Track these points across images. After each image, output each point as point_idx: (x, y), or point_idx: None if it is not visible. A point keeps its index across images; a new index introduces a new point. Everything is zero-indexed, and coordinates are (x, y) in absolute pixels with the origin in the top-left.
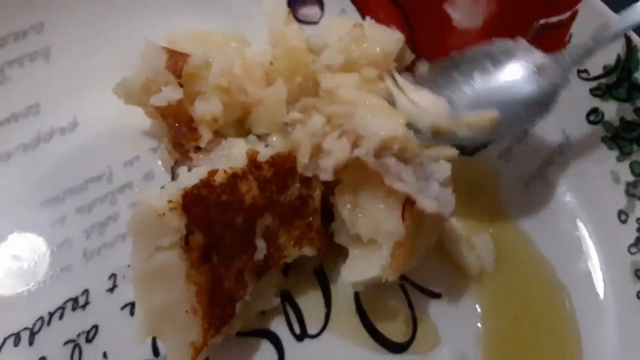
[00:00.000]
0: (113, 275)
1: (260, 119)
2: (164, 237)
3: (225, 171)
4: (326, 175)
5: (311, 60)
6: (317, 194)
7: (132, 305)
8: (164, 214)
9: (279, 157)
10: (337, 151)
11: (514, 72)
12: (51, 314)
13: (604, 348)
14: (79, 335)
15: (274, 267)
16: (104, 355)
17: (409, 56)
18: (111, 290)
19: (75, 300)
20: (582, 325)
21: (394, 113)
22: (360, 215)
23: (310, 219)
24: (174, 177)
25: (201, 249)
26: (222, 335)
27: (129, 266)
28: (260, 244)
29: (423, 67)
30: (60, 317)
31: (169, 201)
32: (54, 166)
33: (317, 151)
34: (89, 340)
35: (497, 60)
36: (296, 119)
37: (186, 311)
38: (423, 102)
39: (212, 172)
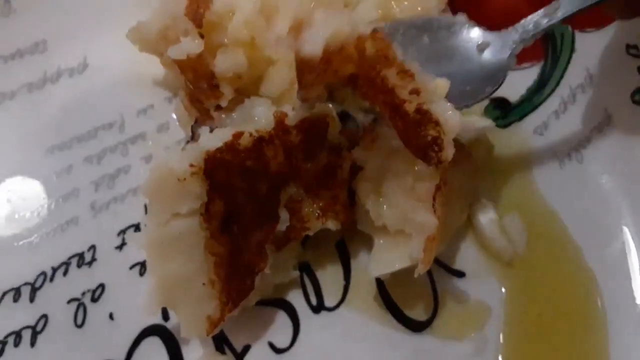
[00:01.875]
0: (122, 232)
1: (276, 79)
2: (182, 203)
3: (251, 134)
4: (313, 49)
5: None
6: (347, 163)
7: (142, 264)
8: (184, 179)
9: (309, 122)
10: (330, 22)
11: (453, 49)
12: (54, 270)
13: (631, 334)
14: (83, 293)
15: (295, 239)
16: (110, 316)
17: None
18: (120, 247)
19: (81, 256)
20: (612, 320)
21: None
22: (385, 206)
23: (337, 191)
24: (193, 136)
25: (222, 217)
26: (239, 308)
27: (137, 227)
28: (284, 214)
29: None
30: (65, 274)
31: (191, 165)
32: (61, 110)
33: (300, 24)
34: (94, 300)
35: (435, 37)
36: None
37: (203, 283)
38: None
39: (238, 135)
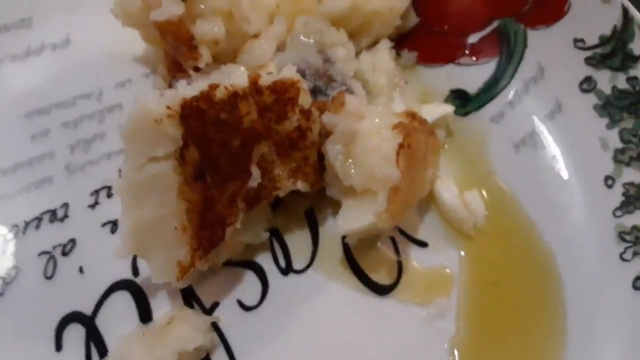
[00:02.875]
0: (95, 192)
1: (253, 52)
2: (159, 145)
3: (226, 88)
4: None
5: (315, 4)
6: (316, 126)
7: (114, 223)
8: (161, 120)
9: (281, 84)
10: None
11: None
12: (27, 224)
13: (587, 310)
14: (54, 247)
15: (266, 198)
16: (80, 269)
17: (413, 19)
18: (92, 206)
19: (53, 212)
20: (567, 288)
21: None
22: (353, 166)
23: (307, 152)
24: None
25: (196, 165)
26: (209, 261)
27: (110, 189)
28: (255, 171)
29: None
30: (37, 227)
31: (168, 107)
32: (42, 80)
33: None
34: (65, 254)
35: None
36: None
37: (175, 227)
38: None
39: (213, 86)
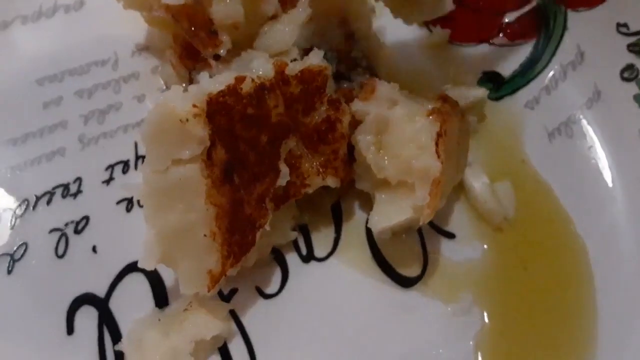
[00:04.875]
0: (110, 167)
1: (274, 37)
2: (184, 147)
3: (253, 80)
4: None
5: None
6: (346, 117)
7: (130, 200)
8: (187, 120)
9: (309, 73)
10: None
11: None
12: (38, 198)
13: (621, 318)
14: (66, 224)
15: (295, 197)
16: (93, 249)
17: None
18: (107, 182)
19: (66, 187)
20: (600, 290)
21: None
22: (386, 157)
23: (337, 145)
24: (192, 82)
25: (223, 165)
26: (239, 266)
27: (127, 163)
28: (284, 168)
29: None
30: (48, 203)
31: (194, 105)
32: (54, 44)
33: None
34: (77, 232)
35: None
36: None
37: (205, 235)
38: None
39: (240, 79)
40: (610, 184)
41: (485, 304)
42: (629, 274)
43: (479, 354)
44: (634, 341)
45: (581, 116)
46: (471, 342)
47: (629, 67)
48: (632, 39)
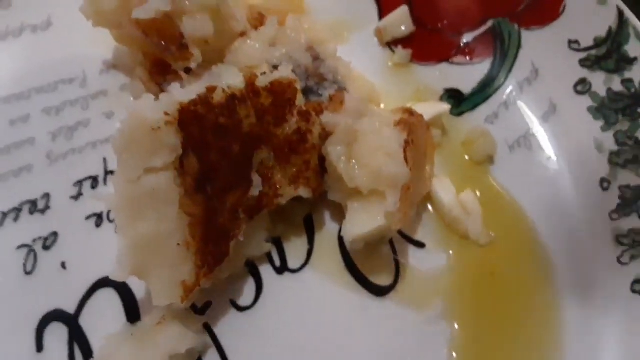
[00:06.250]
0: (79, 183)
1: (244, 52)
2: (157, 155)
3: (224, 90)
4: None
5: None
6: (317, 128)
7: (99, 216)
8: (159, 128)
9: (279, 85)
10: None
11: None
12: (5, 215)
13: (585, 313)
14: (35, 240)
15: (267, 207)
16: (63, 265)
17: (408, 27)
18: (76, 197)
19: (34, 203)
20: (564, 291)
21: None
22: (357, 167)
23: (308, 156)
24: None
25: (196, 175)
26: (212, 278)
27: (95, 179)
28: (256, 179)
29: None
30: (15, 219)
31: (166, 113)
32: (21, 62)
33: None
34: (46, 248)
35: None
36: None
37: (178, 244)
38: None
39: (211, 89)
40: (570, 193)
41: (457, 310)
42: (590, 276)
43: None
44: (598, 338)
45: (539, 129)
46: (445, 350)
47: (582, 81)
48: (584, 55)
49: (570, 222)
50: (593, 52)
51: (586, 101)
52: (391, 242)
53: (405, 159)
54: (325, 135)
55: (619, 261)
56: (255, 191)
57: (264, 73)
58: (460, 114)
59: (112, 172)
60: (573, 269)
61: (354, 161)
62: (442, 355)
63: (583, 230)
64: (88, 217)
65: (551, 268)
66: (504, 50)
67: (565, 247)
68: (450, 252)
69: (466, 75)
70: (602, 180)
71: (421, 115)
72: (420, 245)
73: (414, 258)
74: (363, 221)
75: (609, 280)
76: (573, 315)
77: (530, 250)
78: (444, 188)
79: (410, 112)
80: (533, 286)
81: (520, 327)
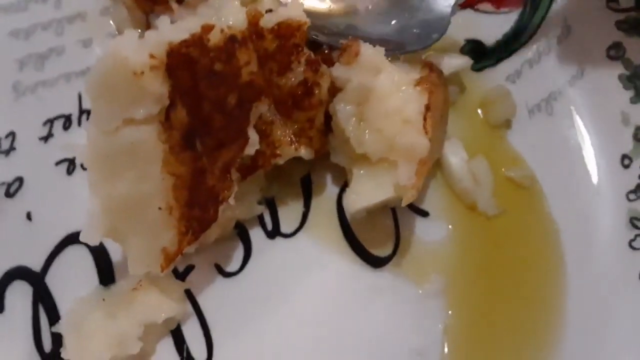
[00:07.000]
0: (49, 122)
1: None
2: (138, 105)
3: (222, 30)
4: None
5: None
6: (326, 82)
7: (71, 162)
8: (142, 73)
9: (287, 27)
10: None
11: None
12: None
13: (589, 297)
14: None
15: (263, 167)
16: (28, 216)
17: None
18: (45, 139)
19: None
20: (569, 271)
21: None
22: (367, 131)
23: (313, 112)
24: (149, 29)
25: (184, 129)
26: (197, 243)
27: (68, 118)
28: (253, 135)
29: None
30: None
31: (152, 56)
32: None
33: None
34: (9, 195)
35: None
36: None
37: (160, 208)
38: None
39: (207, 28)
40: (588, 167)
41: (457, 285)
42: (599, 259)
43: (446, 338)
44: (603, 323)
45: (563, 94)
46: (440, 326)
47: (616, 45)
48: (622, 16)
49: (585, 198)
50: (632, 14)
51: (618, 68)
52: (393, 210)
53: (425, 127)
54: (335, 90)
55: (630, 245)
56: (251, 149)
57: (270, 10)
58: (480, 69)
59: (88, 112)
60: (581, 249)
61: (363, 124)
62: (436, 330)
63: (596, 208)
64: (58, 162)
65: (559, 245)
66: (535, 2)
67: (576, 225)
68: (455, 222)
69: (491, 25)
70: (624, 157)
71: (441, 71)
72: (424, 214)
73: (416, 227)
74: (369, 192)
75: (618, 264)
76: (577, 297)
77: (539, 224)
78: (455, 153)
79: (431, 68)
80: (538, 262)
81: (521, 305)
